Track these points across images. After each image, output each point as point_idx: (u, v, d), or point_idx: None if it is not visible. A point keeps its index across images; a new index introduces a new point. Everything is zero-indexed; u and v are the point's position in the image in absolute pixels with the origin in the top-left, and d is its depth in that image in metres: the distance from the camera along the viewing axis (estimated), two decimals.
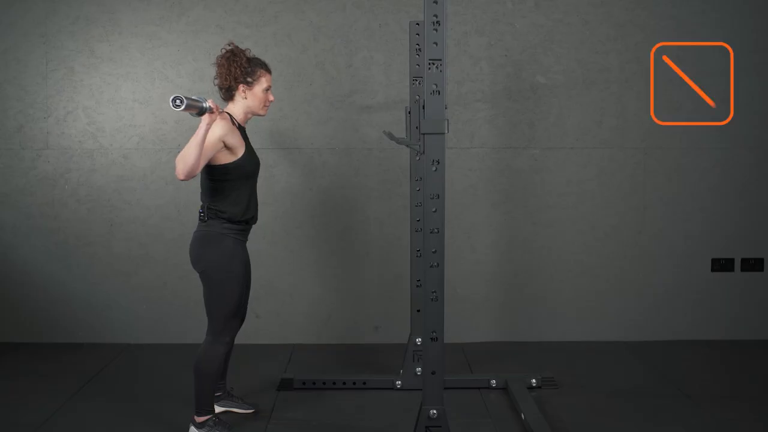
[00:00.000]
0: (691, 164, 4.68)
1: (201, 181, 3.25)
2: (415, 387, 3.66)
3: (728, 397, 3.77)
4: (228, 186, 3.19)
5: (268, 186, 4.55)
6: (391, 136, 3.28)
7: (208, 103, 2.96)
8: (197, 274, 3.25)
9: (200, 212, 3.21)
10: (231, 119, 3.20)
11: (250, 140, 3.35)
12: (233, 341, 3.39)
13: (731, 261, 4.72)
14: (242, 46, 3.56)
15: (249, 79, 3.24)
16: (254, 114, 3.32)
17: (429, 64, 2.72)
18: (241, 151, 3.19)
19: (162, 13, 4.55)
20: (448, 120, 2.76)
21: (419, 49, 3.69)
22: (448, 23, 3.14)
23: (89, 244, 4.63)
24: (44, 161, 4.60)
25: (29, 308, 4.66)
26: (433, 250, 2.77)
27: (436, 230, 2.77)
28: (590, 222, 4.70)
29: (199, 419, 3.26)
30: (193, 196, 3.55)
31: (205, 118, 2.96)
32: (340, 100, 4.60)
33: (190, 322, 4.44)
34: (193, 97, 2.89)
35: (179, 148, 4.57)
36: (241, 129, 3.27)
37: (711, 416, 3.54)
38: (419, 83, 3.70)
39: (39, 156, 4.59)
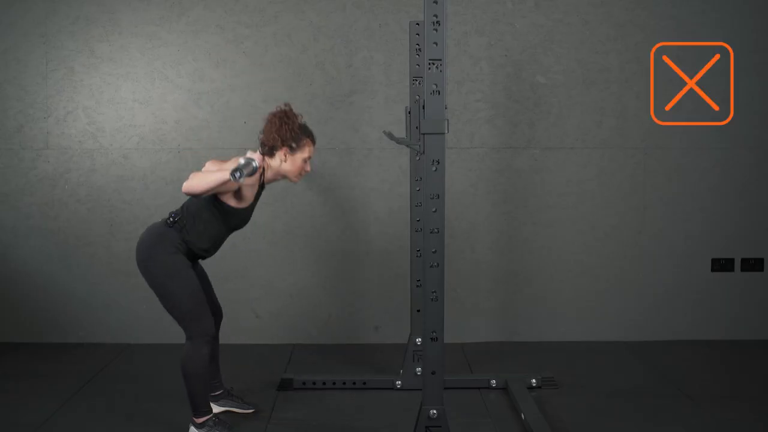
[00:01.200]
0: (691, 164, 4.68)
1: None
2: (415, 387, 3.64)
3: (728, 397, 3.77)
4: (210, 217, 3.20)
5: (268, 186, 4.53)
6: (391, 136, 3.28)
7: (256, 162, 3.04)
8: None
9: (172, 215, 3.21)
10: (262, 173, 3.22)
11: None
12: (215, 338, 3.41)
13: (731, 261, 4.72)
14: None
15: (293, 145, 3.24)
16: (286, 177, 3.33)
17: (429, 64, 2.71)
18: (243, 205, 3.21)
19: (162, 13, 4.55)
20: (448, 120, 2.76)
21: (419, 49, 3.69)
22: (448, 23, 3.13)
23: (89, 244, 4.63)
24: (44, 161, 4.60)
25: (29, 308, 4.66)
26: (433, 250, 2.77)
27: (436, 230, 2.76)
28: (590, 222, 4.70)
29: (199, 419, 3.26)
30: None
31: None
32: (340, 100, 4.60)
33: None
34: (245, 164, 2.97)
35: (179, 148, 4.57)
36: (262, 186, 3.28)
37: (711, 416, 3.54)
38: (419, 83, 3.70)
39: (39, 156, 4.59)
